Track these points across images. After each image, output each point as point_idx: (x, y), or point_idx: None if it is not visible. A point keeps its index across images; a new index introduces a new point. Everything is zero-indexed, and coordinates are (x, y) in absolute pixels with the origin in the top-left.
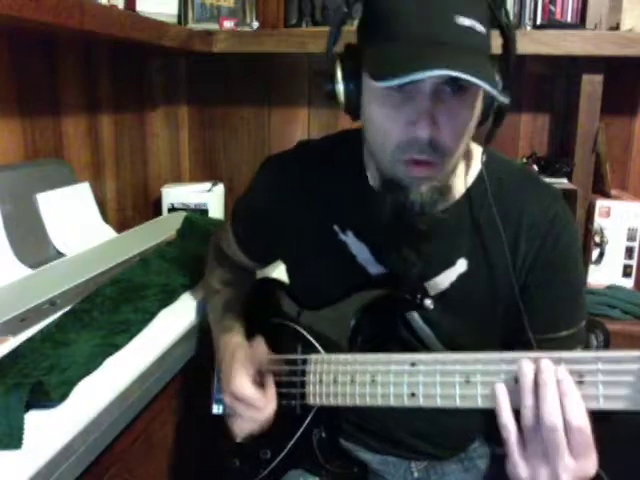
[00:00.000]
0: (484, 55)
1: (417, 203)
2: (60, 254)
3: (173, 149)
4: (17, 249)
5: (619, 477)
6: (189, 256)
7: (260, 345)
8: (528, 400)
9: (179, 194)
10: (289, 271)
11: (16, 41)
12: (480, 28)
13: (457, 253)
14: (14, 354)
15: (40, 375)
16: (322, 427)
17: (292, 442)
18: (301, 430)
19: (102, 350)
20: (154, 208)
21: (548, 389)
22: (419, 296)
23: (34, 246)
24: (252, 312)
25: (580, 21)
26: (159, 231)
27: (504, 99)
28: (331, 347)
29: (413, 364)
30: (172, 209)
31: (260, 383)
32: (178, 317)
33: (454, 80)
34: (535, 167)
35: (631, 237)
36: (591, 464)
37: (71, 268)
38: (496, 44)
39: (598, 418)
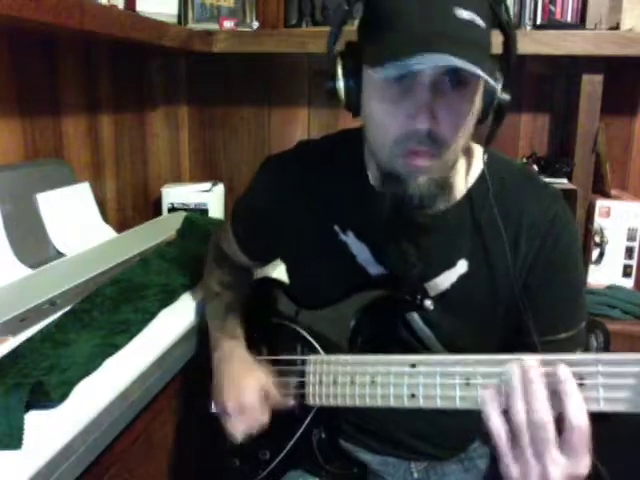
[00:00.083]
0: (483, 49)
1: (415, 196)
2: (60, 254)
3: (173, 149)
4: (17, 249)
5: (619, 477)
6: (189, 256)
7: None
8: (516, 401)
9: (179, 194)
10: (289, 271)
11: (16, 41)
12: (480, 22)
13: (458, 254)
14: (14, 354)
15: (40, 375)
16: (322, 428)
17: (292, 443)
18: (301, 431)
19: (102, 350)
20: (154, 208)
21: (535, 387)
22: (419, 297)
23: (34, 246)
24: (252, 312)
25: (580, 21)
26: (159, 231)
27: (501, 90)
28: (331, 348)
29: (413, 365)
30: (172, 209)
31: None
32: (178, 317)
33: (453, 72)
34: (535, 167)
35: (631, 237)
36: (583, 464)
37: (71, 268)
38: (497, 41)
39: (597, 418)
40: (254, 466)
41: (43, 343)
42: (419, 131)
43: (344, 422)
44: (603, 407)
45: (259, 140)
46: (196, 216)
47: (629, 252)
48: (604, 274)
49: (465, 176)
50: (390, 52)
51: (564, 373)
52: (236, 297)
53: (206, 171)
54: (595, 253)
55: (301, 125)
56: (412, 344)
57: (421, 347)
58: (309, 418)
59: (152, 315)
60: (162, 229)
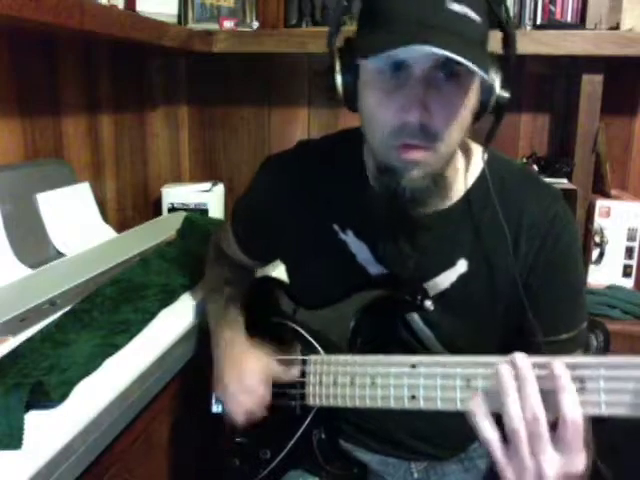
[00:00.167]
0: (474, 41)
1: (408, 188)
2: (60, 254)
3: (173, 149)
4: (17, 249)
5: (619, 477)
6: (189, 256)
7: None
8: (509, 400)
9: (179, 194)
10: (289, 271)
11: (16, 41)
12: (473, 16)
13: (457, 253)
14: (14, 354)
15: (40, 375)
16: (322, 428)
17: (292, 442)
18: (301, 431)
19: (102, 350)
20: (154, 208)
21: (528, 384)
22: (419, 297)
23: (34, 246)
24: (252, 311)
25: (580, 21)
26: (159, 231)
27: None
28: (331, 348)
29: (413, 366)
30: (172, 209)
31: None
32: (178, 317)
33: (446, 66)
34: (535, 167)
35: (631, 237)
36: (578, 461)
37: (71, 268)
38: (497, 38)
39: (596, 418)
40: (254, 466)
41: (43, 343)
42: (411, 124)
43: (344, 422)
44: (604, 411)
45: (259, 140)
46: (196, 216)
47: (629, 252)
48: (604, 274)
49: (464, 175)
50: (377, 44)
51: (559, 369)
52: (237, 292)
53: (206, 171)
54: (595, 253)
55: (301, 125)
56: (412, 344)
57: (421, 347)
58: (309, 418)
59: (152, 315)
60: (162, 229)
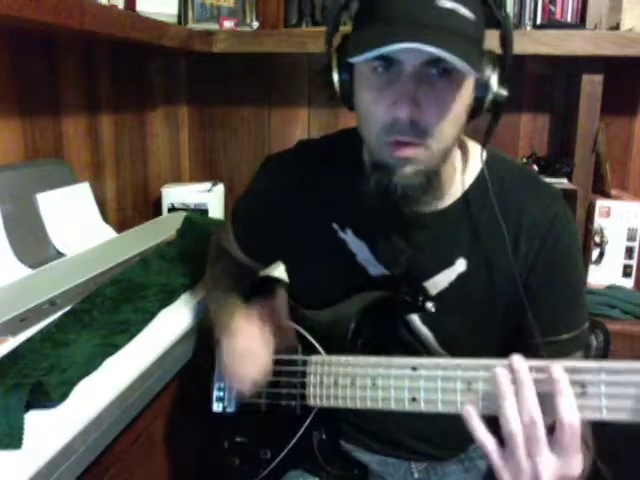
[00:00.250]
0: (467, 38)
1: (400, 185)
2: (60, 254)
3: (173, 149)
4: (17, 249)
5: (619, 477)
6: (189, 256)
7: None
8: (506, 404)
9: (179, 194)
10: (289, 270)
11: (16, 41)
12: (464, 12)
13: (456, 252)
14: (14, 354)
15: (40, 375)
16: (322, 429)
17: (292, 443)
18: (301, 431)
19: (102, 350)
20: (154, 208)
21: (525, 387)
22: (420, 298)
23: (34, 246)
24: None
25: (580, 21)
26: (159, 231)
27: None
28: (331, 348)
29: (414, 368)
30: (172, 209)
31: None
32: (178, 317)
33: (437, 62)
34: (535, 167)
35: (631, 237)
36: (575, 464)
37: (71, 268)
38: (495, 36)
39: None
40: (254, 465)
41: (43, 343)
42: (401, 120)
43: (344, 423)
44: (605, 416)
45: (259, 140)
46: (196, 216)
47: (629, 252)
48: (604, 274)
49: (463, 174)
50: (365, 43)
51: (557, 373)
52: (238, 283)
53: (206, 171)
54: (595, 253)
55: (301, 125)
56: (412, 344)
57: (420, 347)
58: (310, 419)
59: (152, 315)
60: (162, 229)
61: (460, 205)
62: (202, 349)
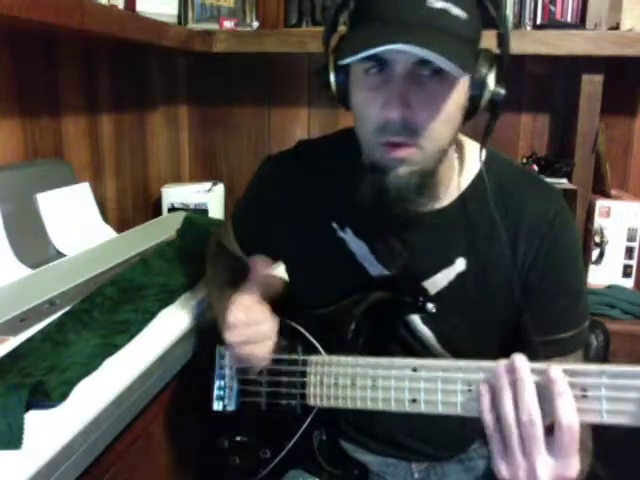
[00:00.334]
0: (458, 37)
1: (393, 186)
2: (60, 254)
3: (173, 149)
4: (17, 249)
5: (619, 477)
6: (189, 256)
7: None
8: (505, 399)
9: (179, 194)
10: (289, 270)
11: (16, 41)
12: (456, 11)
13: (456, 252)
14: (14, 354)
15: (40, 375)
16: (322, 429)
17: (292, 442)
18: (301, 431)
19: (102, 350)
20: (154, 208)
21: (525, 386)
22: (421, 299)
23: (34, 246)
24: None
25: (580, 21)
26: (159, 231)
27: (465, 74)
28: (332, 348)
29: (415, 369)
30: (172, 209)
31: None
32: (178, 317)
33: (428, 62)
34: (535, 167)
35: (631, 237)
36: (572, 465)
37: (71, 268)
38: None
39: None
40: (254, 465)
41: (43, 343)
42: (393, 120)
43: (344, 423)
44: (606, 419)
45: (259, 140)
46: (196, 216)
47: (629, 252)
48: (604, 274)
49: (461, 173)
50: (353, 46)
51: (554, 373)
52: (238, 278)
53: (206, 171)
54: (595, 253)
55: (301, 125)
56: (412, 344)
57: (420, 347)
58: (309, 418)
59: (152, 315)
60: (162, 229)
61: (459, 204)
62: (202, 349)
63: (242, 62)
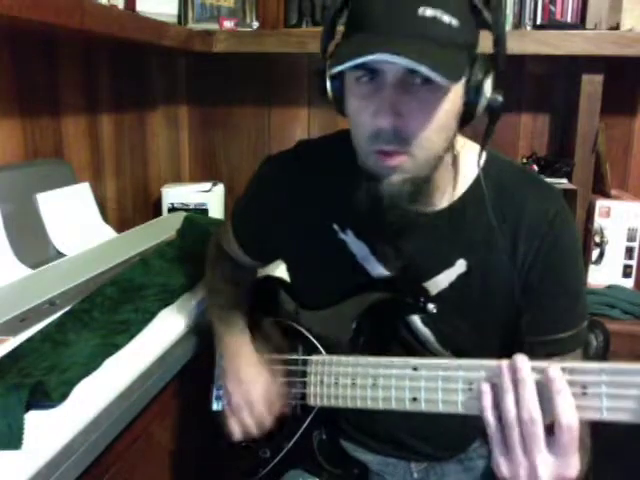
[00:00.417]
0: (448, 45)
1: (387, 194)
2: (60, 254)
3: (173, 149)
4: (17, 249)
5: (619, 477)
6: (189, 256)
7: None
8: (506, 398)
9: (179, 194)
10: (290, 270)
11: (16, 41)
12: (447, 19)
13: (456, 253)
14: (14, 354)
15: (40, 375)
16: (322, 429)
17: (292, 442)
18: (301, 430)
19: (102, 350)
20: (154, 208)
21: (526, 385)
22: (422, 300)
23: (34, 246)
24: (254, 310)
25: (580, 21)
26: (159, 231)
27: (452, 82)
28: (332, 348)
29: (415, 368)
30: (172, 209)
31: None
32: (178, 317)
33: (417, 70)
34: (535, 167)
35: (631, 237)
36: (572, 464)
37: (71, 268)
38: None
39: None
40: (254, 465)
41: (43, 343)
42: (384, 129)
43: (344, 422)
44: (606, 416)
45: (259, 140)
46: (196, 216)
47: (629, 252)
48: (604, 274)
49: (459, 178)
50: (344, 55)
51: (553, 372)
52: (239, 292)
53: (206, 171)
54: (595, 253)
55: (301, 125)
56: (412, 344)
57: (421, 347)
58: (310, 418)
59: (152, 315)
60: (162, 229)
61: (458, 208)
62: (202, 349)
63: (242, 62)
